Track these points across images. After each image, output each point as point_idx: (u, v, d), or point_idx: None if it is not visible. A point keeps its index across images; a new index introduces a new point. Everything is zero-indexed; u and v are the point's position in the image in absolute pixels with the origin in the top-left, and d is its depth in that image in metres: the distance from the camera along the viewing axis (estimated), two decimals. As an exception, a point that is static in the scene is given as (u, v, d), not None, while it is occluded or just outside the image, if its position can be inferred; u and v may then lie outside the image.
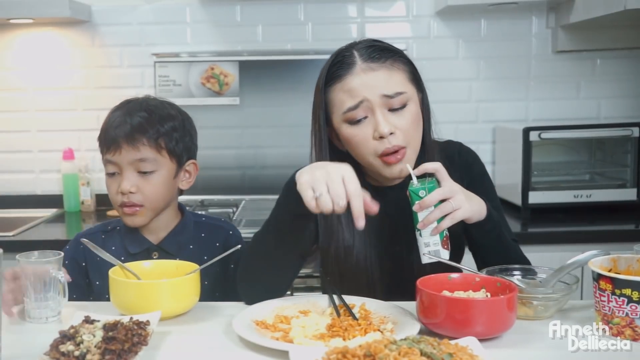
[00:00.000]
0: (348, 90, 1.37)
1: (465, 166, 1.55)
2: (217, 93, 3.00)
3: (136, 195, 1.53)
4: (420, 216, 1.29)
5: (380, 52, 1.39)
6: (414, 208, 1.29)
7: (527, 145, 2.64)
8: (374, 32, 2.96)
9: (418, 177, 1.32)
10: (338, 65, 1.41)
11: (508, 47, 3.01)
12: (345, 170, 1.23)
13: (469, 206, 1.30)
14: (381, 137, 1.35)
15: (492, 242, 1.40)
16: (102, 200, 3.06)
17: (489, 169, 2.98)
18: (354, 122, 1.38)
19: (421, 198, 1.28)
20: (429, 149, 1.47)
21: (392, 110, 1.37)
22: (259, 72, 3.00)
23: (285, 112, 3.01)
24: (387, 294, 1.43)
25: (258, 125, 3.02)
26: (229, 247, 1.46)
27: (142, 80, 3.05)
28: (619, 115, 3.00)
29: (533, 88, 3.03)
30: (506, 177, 2.87)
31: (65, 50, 3.05)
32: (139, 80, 3.05)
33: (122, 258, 1.53)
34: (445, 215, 1.28)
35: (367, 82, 1.36)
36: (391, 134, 1.35)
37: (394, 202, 1.42)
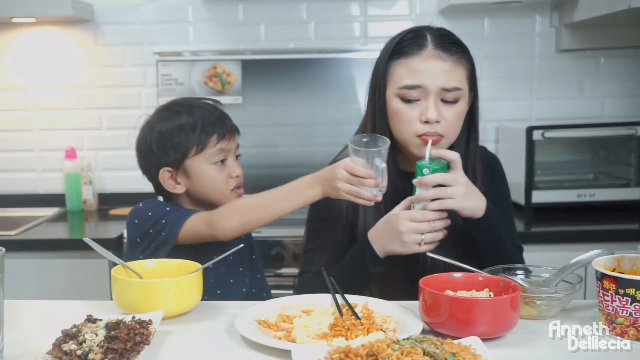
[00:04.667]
0: (411, 70, 1.43)
1: (488, 170, 1.61)
2: (220, 92, 3.00)
3: (240, 178, 1.65)
4: (417, 191, 1.38)
5: (451, 44, 1.45)
6: (414, 181, 1.38)
7: (531, 145, 2.63)
8: (377, 31, 2.96)
9: (432, 159, 1.39)
10: (408, 42, 1.45)
11: (511, 46, 3.00)
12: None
13: (462, 200, 1.37)
14: (426, 122, 1.42)
15: (487, 241, 1.42)
16: (104, 199, 3.07)
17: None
18: (406, 100, 1.44)
19: (423, 175, 1.37)
20: (473, 150, 1.54)
21: (444, 101, 1.43)
22: (261, 71, 3.00)
23: (287, 111, 3.01)
24: (404, 281, 1.48)
25: (260, 124, 3.02)
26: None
27: (144, 79, 3.05)
28: (622, 115, 2.99)
29: (536, 87, 3.03)
30: (509, 176, 2.80)
31: (68, 49, 3.05)
32: (141, 79, 3.05)
33: None
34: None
35: (432, 70, 1.42)
36: (437, 122, 1.42)
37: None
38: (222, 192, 1.60)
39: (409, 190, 1.42)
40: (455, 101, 1.44)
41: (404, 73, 1.44)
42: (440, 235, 1.39)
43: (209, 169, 1.58)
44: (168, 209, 1.56)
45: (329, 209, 1.53)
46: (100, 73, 3.06)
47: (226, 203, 1.59)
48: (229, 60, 3.00)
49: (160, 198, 1.72)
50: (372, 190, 1.35)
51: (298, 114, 3.00)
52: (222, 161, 1.60)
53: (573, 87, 3.02)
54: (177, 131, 1.56)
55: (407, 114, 1.43)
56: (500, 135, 3.01)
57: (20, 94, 3.08)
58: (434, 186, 1.37)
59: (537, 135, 2.62)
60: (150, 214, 1.55)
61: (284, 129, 3.02)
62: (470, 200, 1.38)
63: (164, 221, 1.53)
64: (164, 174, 1.59)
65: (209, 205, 1.62)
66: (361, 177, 1.33)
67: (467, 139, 1.53)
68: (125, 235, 2.49)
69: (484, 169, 1.57)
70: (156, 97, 3.02)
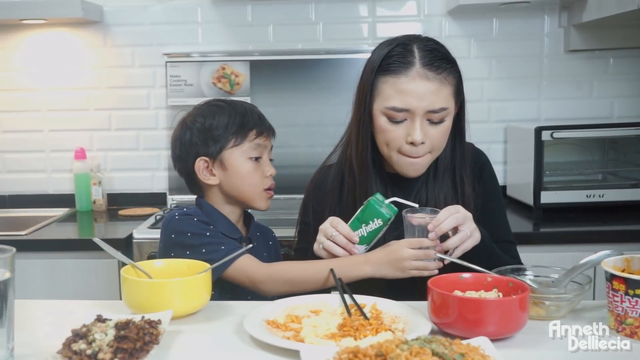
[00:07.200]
0: (399, 90, 1.42)
1: (476, 168, 1.60)
2: (228, 93, 3.01)
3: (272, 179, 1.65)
4: (430, 236, 1.38)
5: (439, 61, 1.43)
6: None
7: (539, 145, 2.62)
8: (385, 32, 2.96)
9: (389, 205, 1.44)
10: (396, 57, 1.43)
11: (520, 47, 3.00)
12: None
13: (475, 232, 1.37)
14: (412, 143, 1.43)
15: (479, 258, 1.40)
16: (114, 200, 3.08)
17: (500, 168, 3.00)
18: (393, 120, 1.44)
19: (373, 211, 1.42)
20: (465, 154, 1.55)
21: (430, 121, 1.43)
22: (270, 72, 3.00)
23: (296, 112, 3.01)
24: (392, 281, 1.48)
25: (269, 125, 3.02)
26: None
27: (153, 80, 3.06)
28: (632, 115, 2.98)
29: (545, 87, 3.02)
30: (518, 176, 2.86)
31: (77, 50, 3.06)
32: (150, 80, 3.06)
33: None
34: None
35: (418, 92, 1.41)
36: (422, 142, 1.43)
37: (408, 191, 1.51)
38: (255, 189, 1.62)
39: (395, 191, 1.49)
40: (441, 121, 1.44)
41: (391, 93, 1.43)
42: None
43: (245, 163, 1.60)
44: (208, 233, 1.56)
45: (313, 214, 1.60)
46: (110, 74, 3.07)
47: (257, 202, 1.63)
48: (238, 61, 3.01)
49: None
50: (435, 257, 1.39)
51: (306, 114, 3.01)
52: (257, 159, 1.61)
53: (582, 88, 3.01)
54: (218, 124, 1.59)
55: (393, 133, 1.45)
56: (508, 135, 3.00)
57: (30, 95, 3.10)
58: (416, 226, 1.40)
59: (545, 135, 2.61)
60: (189, 234, 1.55)
61: (292, 130, 3.02)
62: (477, 231, 1.39)
63: (203, 250, 1.52)
64: (200, 164, 1.61)
65: (240, 202, 1.64)
66: (428, 247, 1.38)
67: (454, 144, 1.54)
68: (134, 235, 2.51)
69: (472, 168, 1.58)
70: (165, 98, 3.03)
